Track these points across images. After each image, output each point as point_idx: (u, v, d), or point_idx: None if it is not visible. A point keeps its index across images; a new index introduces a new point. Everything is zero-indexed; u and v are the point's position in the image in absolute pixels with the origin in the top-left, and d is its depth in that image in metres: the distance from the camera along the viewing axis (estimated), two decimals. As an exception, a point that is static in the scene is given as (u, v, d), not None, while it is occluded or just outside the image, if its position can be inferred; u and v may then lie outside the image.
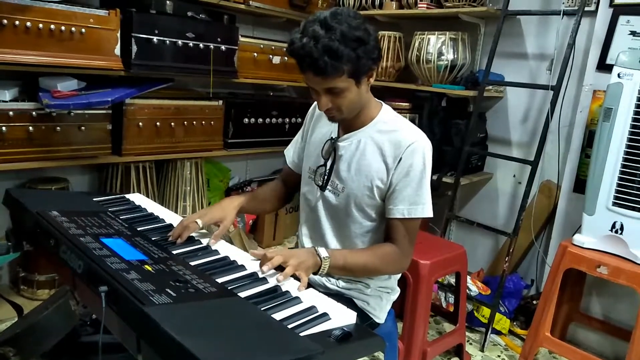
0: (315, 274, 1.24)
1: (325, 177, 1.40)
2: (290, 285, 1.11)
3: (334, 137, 1.40)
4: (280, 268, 1.15)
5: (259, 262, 1.19)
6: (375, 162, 1.32)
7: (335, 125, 1.42)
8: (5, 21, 1.88)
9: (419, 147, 1.29)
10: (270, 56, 2.89)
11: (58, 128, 2.11)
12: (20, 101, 2.04)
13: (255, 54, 2.82)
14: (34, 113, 2.04)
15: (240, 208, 1.47)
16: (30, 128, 2.04)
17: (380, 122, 1.35)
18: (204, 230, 1.38)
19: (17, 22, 1.91)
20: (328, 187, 1.40)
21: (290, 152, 1.60)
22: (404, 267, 1.38)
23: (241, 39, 2.72)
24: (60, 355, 1.49)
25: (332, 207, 1.40)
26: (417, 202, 1.29)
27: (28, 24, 1.94)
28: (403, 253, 1.32)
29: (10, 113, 1.99)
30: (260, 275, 1.13)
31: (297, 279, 1.15)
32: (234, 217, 1.43)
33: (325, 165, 1.41)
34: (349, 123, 1.37)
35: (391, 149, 1.30)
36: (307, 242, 1.50)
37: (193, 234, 1.33)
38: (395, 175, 1.29)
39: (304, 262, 1.18)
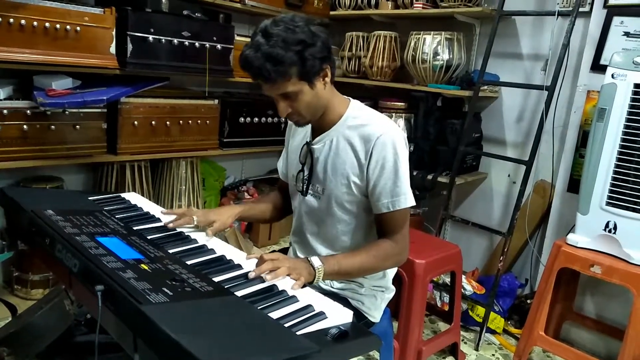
0: (310, 283, 1.22)
1: (305, 182, 1.41)
2: (286, 284, 1.11)
3: (308, 141, 1.41)
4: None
5: (256, 261, 1.20)
6: (348, 158, 1.32)
7: (308, 130, 1.43)
8: (-1, 19, 1.87)
9: (387, 138, 1.28)
10: (266, 55, 2.88)
11: (53, 127, 2.10)
12: (14, 99, 2.03)
13: (251, 53, 2.81)
14: (28, 111, 2.03)
15: (238, 216, 1.48)
16: (25, 127, 2.03)
17: (350, 117, 1.35)
18: (199, 229, 1.38)
19: (11, 20, 1.90)
20: (309, 191, 1.41)
21: (280, 164, 1.60)
22: (402, 259, 1.37)
23: (237, 38, 2.71)
24: (54, 355, 1.49)
25: (315, 210, 1.41)
26: (398, 194, 1.29)
27: (22, 21, 1.93)
28: (399, 245, 1.33)
29: (5, 111, 1.98)
30: (252, 276, 1.13)
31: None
32: (229, 223, 1.43)
33: (303, 170, 1.41)
34: (319, 125, 1.37)
35: (361, 144, 1.30)
36: (296, 247, 1.51)
37: (189, 233, 1.34)
38: (370, 171, 1.29)
39: (298, 270, 1.18)
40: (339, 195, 1.35)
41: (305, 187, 1.41)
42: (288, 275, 1.14)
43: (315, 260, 1.23)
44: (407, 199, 1.30)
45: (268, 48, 1.15)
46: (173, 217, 1.39)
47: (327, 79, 1.28)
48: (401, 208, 1.30)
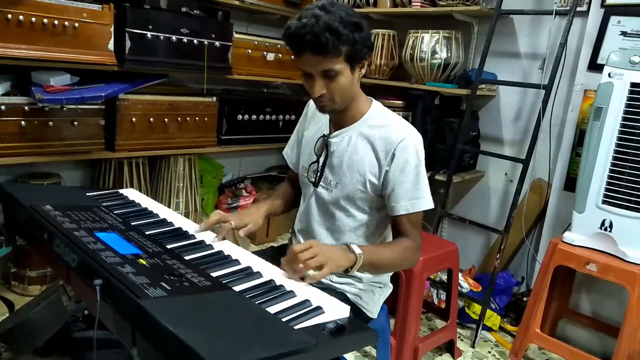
0: (348, 271, 1.22)
1: (318, 173, 1.42)
2: (284, 279, 1.11)
3: (325, 134, 1.42)
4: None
5: (254, 256, 1.20)
6: (367, 156, 1.34)
7: (326, 123, 1.44)
8: (-3, 14, 1.87)
9: (410, 142, 1.31)
10: (265, 53, 2.89)
11: (50, 123, 2.10)
12: (12, 95, 2.02)
13: (250, 51, 2.81)
14: (26, 108, 2.03)
15: (266, 214, 1.50)
16: (23, 123, 2.03)
17: (371, 117, 1.37)
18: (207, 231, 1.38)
19: (9, 16, 1.89)
20: (321, 183, 1.42)
21: (288, 153, 1.62)
22: (417, 259, 1.39)
23: (235, 35, 2.71)
24: (52, 351, 1.49)
25: (325, 202, 1.42)
26: (417, 197, 1.32)
27: (21, 17, 1.92)
28: (417, 245, 1.36)
29: (2, 107, 1.97)
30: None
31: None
32: (261, 222, 1.45)
33: (317, 162, 1.42)
34: (340, 119, 1.39)
35: (382, 144, 1.32)
36: (300, 237, 1.51)
37: (189, 230, 1.34)
38: (390, 173, 1.31)
39: (338, 264, 1.18)
40: (352, 191, 1.36)
41: (317, 178, 1.42)
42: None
43: (356, 248, 1.23)
44: (426, 202, 1.34)
45: (328, 20, 1.18)
46: (210, 232, 1.36)
47: (362, 72, 1.32)
48: (420, 210, 1.33)
